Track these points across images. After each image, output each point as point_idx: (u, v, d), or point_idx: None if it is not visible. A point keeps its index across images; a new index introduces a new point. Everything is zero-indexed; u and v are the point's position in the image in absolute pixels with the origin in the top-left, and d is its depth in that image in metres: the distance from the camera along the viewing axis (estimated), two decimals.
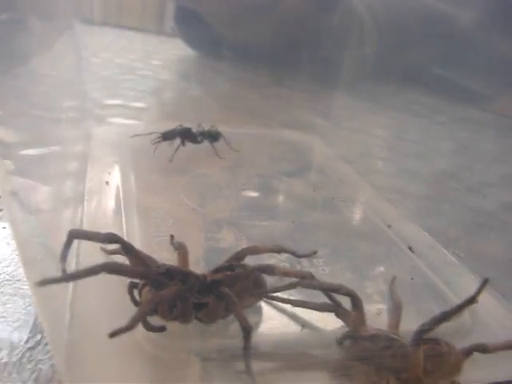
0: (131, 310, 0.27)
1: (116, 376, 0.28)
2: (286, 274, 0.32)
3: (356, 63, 0.80)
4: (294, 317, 0.33)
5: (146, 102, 0.68)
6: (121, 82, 0.74)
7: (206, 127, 0.55)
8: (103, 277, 0.28)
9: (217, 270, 0.32)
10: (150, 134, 0.49)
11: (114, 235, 0.30)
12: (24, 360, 0.30)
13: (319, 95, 0.77)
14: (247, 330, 0.28)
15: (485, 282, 0.31)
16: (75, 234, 0.31)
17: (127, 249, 0.30)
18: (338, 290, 0.31)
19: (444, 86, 0.82)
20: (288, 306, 0.33)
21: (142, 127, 0.56)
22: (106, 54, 0.84)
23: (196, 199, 0.44)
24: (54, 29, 0.48)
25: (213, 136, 0.54)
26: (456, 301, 0.36)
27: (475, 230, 0.49)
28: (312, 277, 0.32)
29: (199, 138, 0.52)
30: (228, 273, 0.31)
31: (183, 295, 0.29)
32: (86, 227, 0.38)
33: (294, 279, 0.32)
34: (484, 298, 0.36)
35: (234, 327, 0.29)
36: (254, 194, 0.48)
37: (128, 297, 0.30)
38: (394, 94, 0.78)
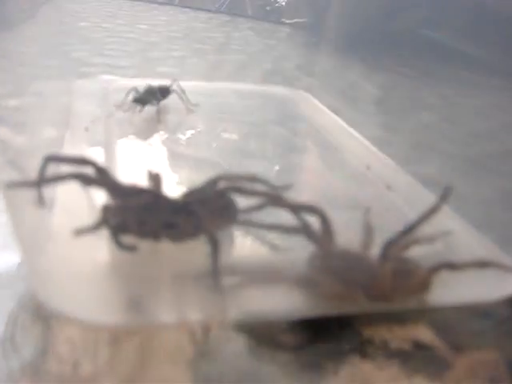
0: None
1: (93, 293, 0.28)
2: (254, 194, 0.32)
3: (346, 26, 0.79)
4: (263, 240, 0.33)
5: (131, 61, 0.68)
6: (107, 43, 0.74)
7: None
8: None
9: (189, 194, 0.32)
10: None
11: (88, 159, 0.30)
12: None
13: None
14: (214, 243, 0.28)
15: (447, 190, 0.31)
16: (50, 158, 0.31)
17: (101, 172, 0.30)
18: (307, 208, 0.31)
19: (432, 48, 0.82)
20: (257, 230, 0.33)
21: (123, 82, 0.57)
22: (95, 19, 0.84)
23: (178, 142, 0.44)
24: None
25: (162, 93, 0.51)
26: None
27: (459, 175, 0.49)
28: (281, 197, 0.32)
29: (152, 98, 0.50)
30: (199, 195, 0.31)
31: (153, 213, 0.29)
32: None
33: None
34: (461, 232, 0.37)
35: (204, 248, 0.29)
36: (234, 137, 0.48)
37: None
38: (383, 56, 0.78)
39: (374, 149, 0.49)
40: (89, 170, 0.32)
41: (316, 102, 0.60)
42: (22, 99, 0.42)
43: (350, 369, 0.28)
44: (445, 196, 0.31)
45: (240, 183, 0.35)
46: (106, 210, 0.31)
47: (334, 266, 0.30)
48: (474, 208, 0.44)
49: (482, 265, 0.32)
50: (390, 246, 0.30)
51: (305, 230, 0.32)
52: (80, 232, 0.26)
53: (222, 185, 0.33)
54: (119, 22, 0.86)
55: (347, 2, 0.86)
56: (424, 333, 0.31)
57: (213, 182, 0.34)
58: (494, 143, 0.57)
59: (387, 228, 0.35)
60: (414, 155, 0.54)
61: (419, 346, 0.30)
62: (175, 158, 0.42)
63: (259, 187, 0.36)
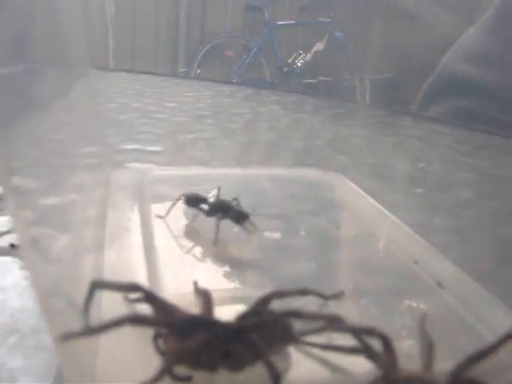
0: (157, 361, 0.27)
1: None
2: (314, 317, 0.31)
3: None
4: (323, 361, 0.32)
5: (163, 145, 0.68)
6: (137, 126, 0.75)
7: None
8: (128, 327, 0.27)
9: (243, 317, 0.31)
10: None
11: (137, 284, 0.30)
12: None
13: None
14: (276, 377, 0.27)
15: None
16: (97, 284, 0.30)
17: (150, 298, 0.30)
18: (369, 332, 0.30)
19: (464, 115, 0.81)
20: (317, 351, 0.32)
21: (160, 171, 0.56)
22: (123, 99, 0.85)
23: (219, 244, 0.43)
24: (70, 76, 0.49)
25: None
26: (490, 337, 0.34)
27: (506, 260, 0.48)
28: (341, 320, 0.31)
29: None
30: (254, 320, 0.30)
31: (209, 344, 0.28)
32: (107, 276, 0.38)
33: (322, 322, 0.31)
34: None
35: (262, 373, 0.28)
36: (276, 235, 0.47)
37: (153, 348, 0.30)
38: (411, 126, 0.78)
39: (419, 238, 0.48)
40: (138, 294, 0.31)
41: (351, 184, 0.59)
42: (61, 196, 0.41)
43: None
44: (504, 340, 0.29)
45: (292, 297, 0.34)
46: (157, 335, 0.30)
47: None
48: None
49: None
50: (460, 371, 0.28)
51: (367, 353, 0.30)
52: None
53: (275, 305, 0.32)
54: (147, 102, 0.87)
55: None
56: None
57: (266, 301, 0.33)
58: None
59: (445, 336, 0.34)
60: (457, 239, 0.53)
61: None
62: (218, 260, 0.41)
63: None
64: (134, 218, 0.47)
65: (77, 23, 0.46)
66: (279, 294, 0.33)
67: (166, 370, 0.26)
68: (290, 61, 2.30)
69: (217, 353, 0.29)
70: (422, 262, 0.44)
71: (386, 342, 0.30)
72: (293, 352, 0.33)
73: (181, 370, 0.29)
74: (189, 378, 0.29)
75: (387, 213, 0.51)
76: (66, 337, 0.24)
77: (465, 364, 0.29)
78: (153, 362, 0.27)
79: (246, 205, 0.44)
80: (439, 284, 0.41)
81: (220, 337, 0.29)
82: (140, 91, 0.94)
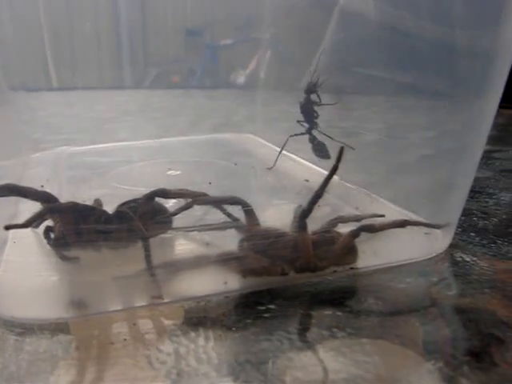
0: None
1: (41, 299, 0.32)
2: (180, 195, 0.35)
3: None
4: (200, 241, 0.36)
5: None
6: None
7: None
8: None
9: (122, 204, 0.35)
10: None
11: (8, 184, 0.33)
12: None
13: None
14: (144, 237, 0.31)
15: (341, 150, 0.33)
16: None
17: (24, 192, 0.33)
18: (230, 200, 0.34)
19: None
20: (194, 234, 0.36)
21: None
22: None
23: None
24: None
25: None
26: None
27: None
28: (205, 195, 0.35)
29: None
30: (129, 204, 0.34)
31: (88, 222, 0.32)
32: None
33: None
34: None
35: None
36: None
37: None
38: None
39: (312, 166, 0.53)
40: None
41: (261, 140, 0.64)
42: None
43: None
44: (340, 155, 0.33)
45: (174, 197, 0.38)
46: (47, 229, 0.34)
47: (258, 243, 0.33)
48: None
49: (402, 224, 0.35)
50: (304, 214, 0.32)
51: (235, 226, 0.34)
52: (9, 227, 0.29)
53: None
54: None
55: None
56: None
57: (149, 197, 0.36)
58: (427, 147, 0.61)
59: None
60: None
61: None
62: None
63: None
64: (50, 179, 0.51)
65: None
66: (162, 192, 0.36)
67: (35, 218, 0.30)
68: (231, 79, 2.36)
69: (95, 231, 0.33)
70: (313, 181, 0.49)
71: (246, 207, 0.34)
72: (174, 238, 0.36)
73: (69, 253, 0.33)
74: (76, 258, 0.33)
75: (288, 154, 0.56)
76: None
77: (307, 206, 0.33)
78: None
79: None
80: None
81: (98, 218, 0.33)
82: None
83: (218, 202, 0.34)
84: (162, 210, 0.35)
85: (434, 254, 0.38)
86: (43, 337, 0.29)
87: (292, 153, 0.59)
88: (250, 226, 0.34)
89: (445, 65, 0.52)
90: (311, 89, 0.52)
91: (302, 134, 0.54)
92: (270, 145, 0.64)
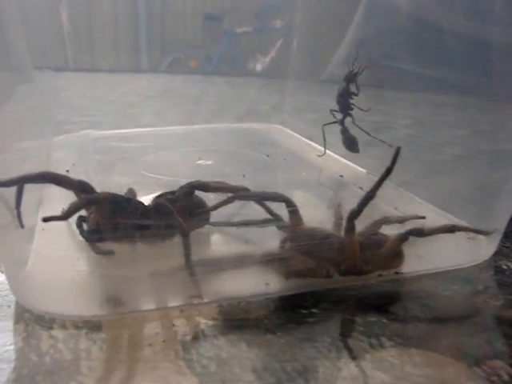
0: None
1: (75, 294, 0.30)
2: (221, 189, 0.33)
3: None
4: (238, 237, 0.34)
5: None
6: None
7: None
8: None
9: (158, 196, 0.33)
10: None
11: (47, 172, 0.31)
12: None
13: None
14: (184, 234, 0.30)
15: (397, 151, 0.32)
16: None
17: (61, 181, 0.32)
18: (274, 197, 0.33)
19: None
20: (232, 229, 0.34)
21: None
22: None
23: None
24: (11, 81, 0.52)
25: None
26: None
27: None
28: (247, 189, 0.33)
29: None
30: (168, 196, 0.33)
31: (125, 215, 0.31)
32: None
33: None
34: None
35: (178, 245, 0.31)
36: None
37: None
38: None
39: (346, 161, 0.51)
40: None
41: (289, 131, 0.63)
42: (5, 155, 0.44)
43: None
44: (396, 156, 0.32)
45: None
46: (80, 219, 0.32)
47: (302, 244, 0.31)
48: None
49: (450, 229, 0.33)
50: (353, 216, 0.31)
51: (276, 223, 0.33)
52: (47, 219, 0.27)
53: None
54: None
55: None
56: None
57: (188, 190, 0.35)
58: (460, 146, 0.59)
59: None
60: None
61: None
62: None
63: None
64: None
65: (18, 28, 0.48)
66: (199, 184, 0.35)
67: (72, 210, 0.28)
68: (251, 66, 2.34)
69: (132, 225, 0.31)
70: (346, 176, 0.47)
71: (290, 205, 0.32)
72: (210, 233, 0.35)
73: (103, 246, 0.32)
74: (111, 252, 0.31)
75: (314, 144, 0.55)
76: None
77: (357, 207, 0.31)
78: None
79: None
80: (361, 188, 0.44)
81: (135, 211, 0.31)
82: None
83: (261, 198, 0.33)
84: (200, 203, 0.34)
85: (480, 262, 0.36)
86: (77, 334, 0.27)
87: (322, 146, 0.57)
88: (293, 225, 0.32)
89: (480, 62, 0.50)
90: (350, 78, 0.50)
91: (335, 122, 0.52)
92: (298, 136, 0.63)
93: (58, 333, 0.28)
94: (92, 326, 0.28)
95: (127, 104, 0.83)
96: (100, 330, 0.28)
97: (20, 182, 0.29)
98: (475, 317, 0.32)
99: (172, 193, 0.34)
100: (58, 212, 0.30)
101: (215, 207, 0.34)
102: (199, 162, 0.51)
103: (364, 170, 0.51)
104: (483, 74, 0.50)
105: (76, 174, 0.45)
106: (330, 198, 0.46)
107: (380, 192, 0.43)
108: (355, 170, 0.52)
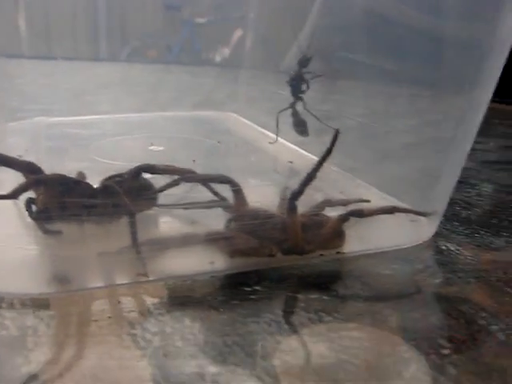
0: None
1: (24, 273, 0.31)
2: (167, 171, 0.34)
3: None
4: (185, 218, 0.35)
5: None
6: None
7: None
8: None
9: (108, 178, 0.34)
10: None
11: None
12: None
13: None
14: (130, 213, 0.30)
15: (336, 133, 0.33)
16: None
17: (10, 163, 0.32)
18: (218, 178, 0.34)
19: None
20: (179, 211, 0.35)
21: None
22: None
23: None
24: None
25: None
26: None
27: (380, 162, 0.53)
28: (193, 172, 0.34)
29: None
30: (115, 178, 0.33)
31: (73, 195, 0.31)
32: None
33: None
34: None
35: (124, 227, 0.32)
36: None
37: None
38: None
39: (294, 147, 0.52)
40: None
41: (243, 119, 0.64)
42: None
43: None
44: (334, 138, 0.33)
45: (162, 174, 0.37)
46: (29, 200, 0.33)
47: (246, 224, 0.32)
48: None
49: (390, 210, 0.35)
50: (295, 196, 0.32)
51: (222, 204, 0.34)
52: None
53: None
54: None
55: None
56: None
57: (135, 171, 0.35)
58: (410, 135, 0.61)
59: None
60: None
61: None
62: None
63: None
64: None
65: None
66: (147, 167, 0.35)
67: (20, 189, 0.29)
68: (210, 56, 2.35)
69: (80, 205, 0.32)
70: (296, 163, 0.48)
71: (235, 186, 0.33)
72: (158, 215, 0.36)
73: (51, 226, 0.32)
74: (59, 232, 0.32)
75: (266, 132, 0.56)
76: None
77: (298, 188, 0.32)
78: None
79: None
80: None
81: (84, 192, 0.32)
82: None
83: (206, 180, 0.34)
84: (147, 185, 0.35)
85: (420, 242, 0.38)
86: (24, 312, 0.28)
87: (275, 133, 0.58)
88: (237, 205, 0.33)
89: (432, 55, 0.52)
90: (304, 63, 0.52)
91: (289, 108, 0.53)
92: (252, 124, 0.64)
93: (4, 311, 0.28)
94: (40, 304, 0.29)
95: (82, 91, 0.83)
96: (47, 308, 0.29)
97: None
98: (414, 294, 0.33)
99: (120, 175, 0.34)
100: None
101: (162, 189, 0.35)
102: (151, 147, 0.51)
103: (314, 157, 0.53)
104: (434, 66, 0.52)
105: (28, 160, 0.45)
106: (279, 183, 0.47)
107: (327, 176, 0.44)
108: (306, 157, 0.53)
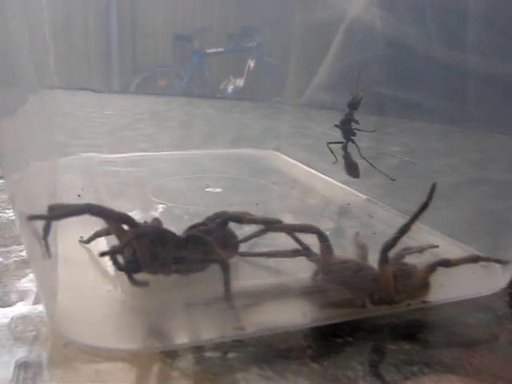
0: None
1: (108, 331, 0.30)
2: (254, 221, 0.34)
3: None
4: (268, 268, 0.35)
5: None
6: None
7: None
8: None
9: (192, 227, 0.34)
10: None
11: (90, 204, 0.32)
12: None
13: None
14: (224, 264, 0.30)
15: (434, 187, 0.33)
16: (55, 207, 0.32)
17: (105, 213, 0.32)
18: (306, 229, 0.33)
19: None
20: (262, 259, 0.35)
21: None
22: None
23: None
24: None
25: None
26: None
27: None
28: (280, 222, 0.34)
29: None
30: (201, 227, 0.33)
31: (161, 247, 0.31)
32: None
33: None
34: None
35: (211, 275, 0.32)
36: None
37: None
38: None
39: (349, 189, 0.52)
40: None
41: (286, 157, 0.64)
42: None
43: None
44: (432, 192, 0.33)
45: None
46: (114, 250, 0.32)
47: (337, 275, 0.32)
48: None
49: (475, 259, 0.34)
50: (388, 248, 0.32)
51: (306, 254, 0.34)
52: (104, 254, 0.28)
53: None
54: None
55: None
56: None
57: (215, 217, 0.35)
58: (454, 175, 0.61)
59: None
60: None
61: None
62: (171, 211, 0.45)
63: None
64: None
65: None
66: (237, 217, 0.35)
67: (123, 245, 0.29)
68: (221, 87, 2.36)
69: (169, 257, 0.32)
70: (354, 205, 0.48)
71: (322, 236, 0.33)
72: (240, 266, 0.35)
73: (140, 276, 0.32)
74: (146, 284, 0.32)
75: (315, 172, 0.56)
76: (32, 217, 0.27)
77: (391, 240, 0.32)
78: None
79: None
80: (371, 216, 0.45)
81: (172, 243, 0.32)
82: None
83: (294, 230, 0.33)
84: (231, 234, 0.34)
85: (497, 290, 0.38)
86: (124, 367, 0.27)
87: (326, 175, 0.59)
88: (324, 256, 0.33)
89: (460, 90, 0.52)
90: (354, 105, 0.52)
91: (339, 142, 0.53)
92: (296, 162, 0.64)
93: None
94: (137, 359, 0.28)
95: (119, 126, 0.83)
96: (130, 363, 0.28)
97: (67, 215, 0.29)
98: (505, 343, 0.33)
99: (203, 224, 0.34)
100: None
101: (248, 238, 0.34)
102: (208, 189, 0.51)
103: (369, 197, 0.53)
104: (464, 102, 0.52)
105: (87, 199, 0.45)
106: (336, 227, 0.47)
107: (390, 220, 0.44)
108: (358, 197, 0.53)
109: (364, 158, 0.51)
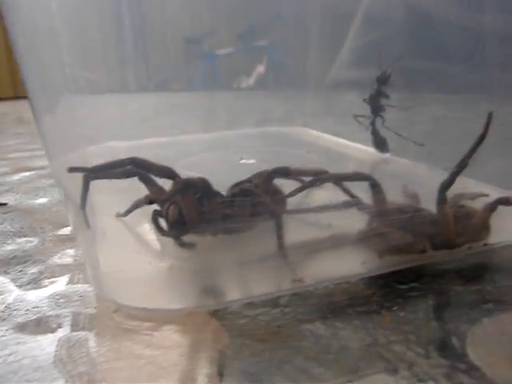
0: None
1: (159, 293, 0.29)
2: (301, 173, 0.32)
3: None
4: (318, 224, 0.33)
5: None
6: None
7: None
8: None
9: (236, 185, 0.32)
10: None
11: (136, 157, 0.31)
12: None
13: None
14: (276, 216, 0.29)
15: (490, 116, 0.31)
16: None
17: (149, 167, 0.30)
18: (356, 176, 0.32)
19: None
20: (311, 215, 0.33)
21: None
22: None
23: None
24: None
25: None
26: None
27: None
28: (326, 172, 0.32)
29: None
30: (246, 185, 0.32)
31: (207, 205, 0.30)
32: None
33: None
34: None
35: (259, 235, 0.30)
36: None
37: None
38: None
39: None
40: None
41: (314, 131, 0.62)
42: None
43: None
44: (488, 122, 0.31)
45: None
46: (156, 213, 0.31)
47: (393, 220, 0.30)
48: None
49: None
50: (446, 186, 0.30)
51: (357, 204, 0.32)
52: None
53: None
54: None
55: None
56: None
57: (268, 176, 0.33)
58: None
59: None
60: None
61: None
62: None
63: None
64: None
65: None
66: (284, 171, 0.33)
67: (171, 194, 0.27)
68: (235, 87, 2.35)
69: (217, 216, 0.30)
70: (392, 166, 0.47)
71: (374, 183, 0.31)
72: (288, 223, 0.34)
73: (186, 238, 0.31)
74: (192, 245, 0.30)
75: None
76: (71, 169, 0.25)
77: (448, 179, 0.30)
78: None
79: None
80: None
81: (216, 199, 0.30)
82: None
83: (343, 179, 0.32)
84: (277, 190, 0.33)
85: None
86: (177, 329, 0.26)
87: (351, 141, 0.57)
88: (377, 202, 0.31)
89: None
90: (383, 80, 0.50)
91: (364, 116, 0.52)
92: (326, 135, 0.62)
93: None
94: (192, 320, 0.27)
95: (144, 119, 0.82)
96: (191, 326, 0.27)
97: (111, 168, 0.28)
98: None
99: (248, 181, 0.33)
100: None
101: (296, 192, 0.33)
102: (242, 161, 0.49)
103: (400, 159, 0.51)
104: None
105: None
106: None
107: (433, 176, 0.42)
108: (393, 159, 0.51)
109: (388, 128, 0.50)
